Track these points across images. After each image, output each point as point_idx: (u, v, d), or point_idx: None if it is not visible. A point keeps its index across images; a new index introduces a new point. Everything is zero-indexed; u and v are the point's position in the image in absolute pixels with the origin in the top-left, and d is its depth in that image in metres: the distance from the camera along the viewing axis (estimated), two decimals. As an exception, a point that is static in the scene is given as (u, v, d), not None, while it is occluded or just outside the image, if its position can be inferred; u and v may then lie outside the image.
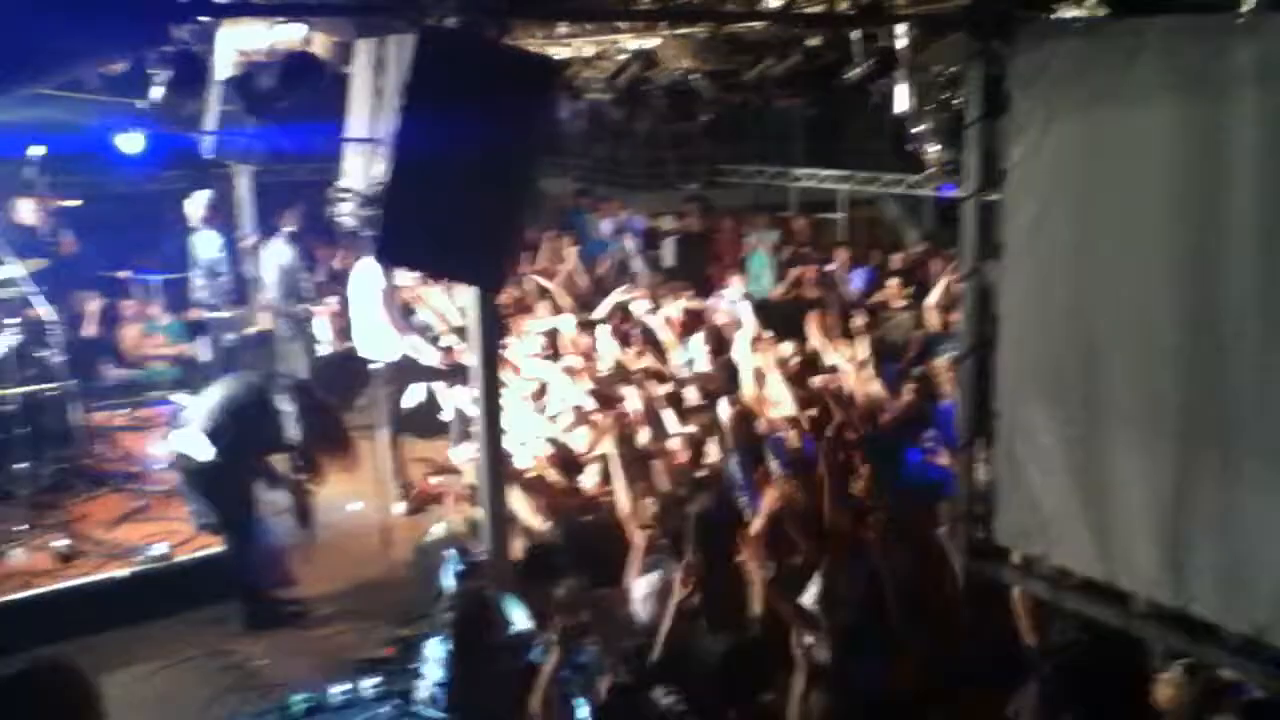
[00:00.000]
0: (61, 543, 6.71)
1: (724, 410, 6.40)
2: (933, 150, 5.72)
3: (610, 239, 11.51)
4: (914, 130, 5.89)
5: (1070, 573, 4.46)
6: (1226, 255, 3.72)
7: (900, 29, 5.75)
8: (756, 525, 5.20)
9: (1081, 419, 4.29)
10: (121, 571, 6.56)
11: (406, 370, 8.14)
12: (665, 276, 10.85)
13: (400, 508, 7.84)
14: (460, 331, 8.01)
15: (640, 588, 5.01)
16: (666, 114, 8.21)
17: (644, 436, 6.66)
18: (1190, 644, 4.02)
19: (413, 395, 8.70)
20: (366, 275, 8.03)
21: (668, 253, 12.23)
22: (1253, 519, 3.77)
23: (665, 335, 8.31)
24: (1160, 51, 3.86)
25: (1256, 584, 3.78)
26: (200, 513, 6.83)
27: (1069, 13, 4.67)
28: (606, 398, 7.22)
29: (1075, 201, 4.20)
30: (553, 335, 8.44)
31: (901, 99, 5.84)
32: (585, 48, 7.90)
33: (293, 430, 6.27)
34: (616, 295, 9.02)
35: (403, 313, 8.22)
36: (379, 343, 7.97)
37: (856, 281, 10.39)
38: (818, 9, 5.78)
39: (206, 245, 9.35)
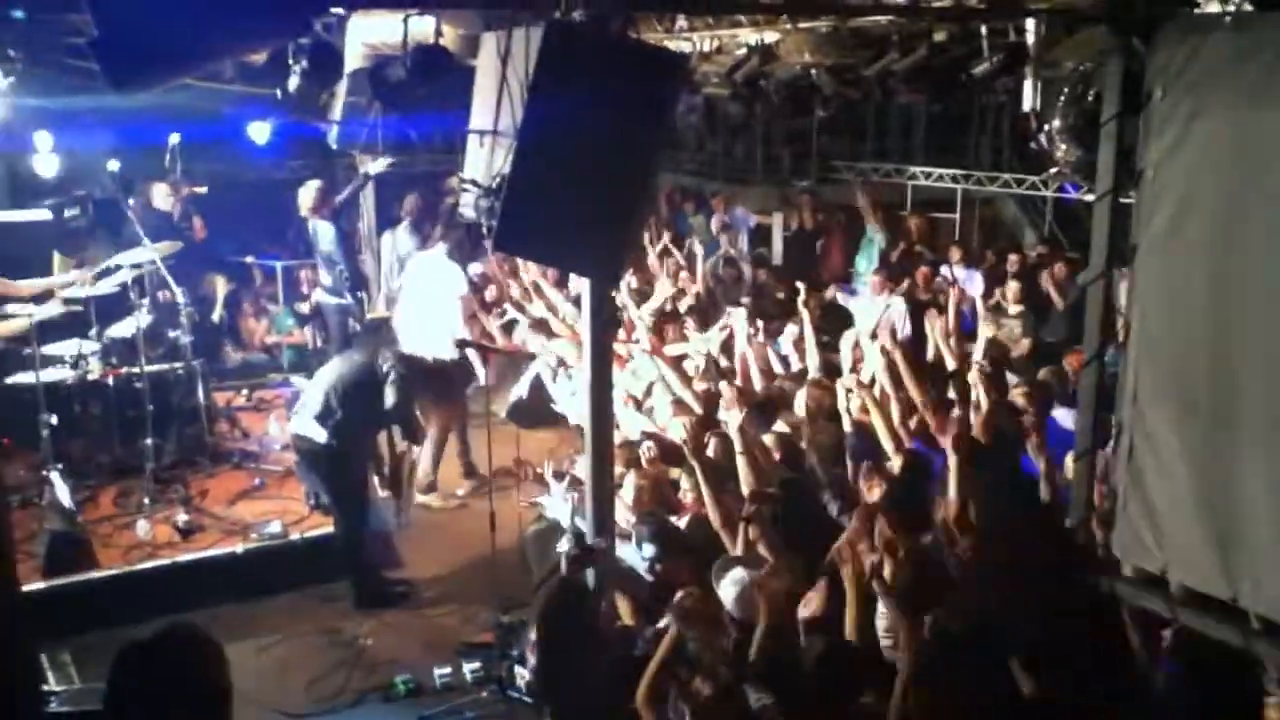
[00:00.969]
0: (182, 517, 6.96)
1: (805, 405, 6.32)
2: (1060, 149, 5.53)
3: (717, 235, 11.47)
4: (1041, 128, 5.72)
5: (1187, 588, 4.30)
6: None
7: (1030, 23, 5.59)
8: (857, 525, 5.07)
9: (1210, 432, 4.11)
10: (238, 547, 6.77)
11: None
12: (773, 274, 10.77)
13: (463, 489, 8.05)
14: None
15: (729, 588, 4.97)
16: (784, 109, 8.12)
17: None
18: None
19: (521, 385, 8.79)
20: (438, 272, 8.13)
21: (776, 249, 12.16)
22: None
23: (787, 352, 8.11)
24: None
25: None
26: (314, 493, 7.05)
27: (1212, 7, 4.48)
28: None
29: (1217, 205, 4.01)
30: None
31: (1029, 96, 5.68)
32: (704, 42, 7.87)
33: (398, 399, 6.44)
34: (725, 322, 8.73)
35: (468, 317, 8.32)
36: (436, 342, 8.02)
37: (969, 284, 10.16)
38: (945, 2, 5.64)
39: (323, 235, 9.61)
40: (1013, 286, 9.22)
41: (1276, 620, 3.95)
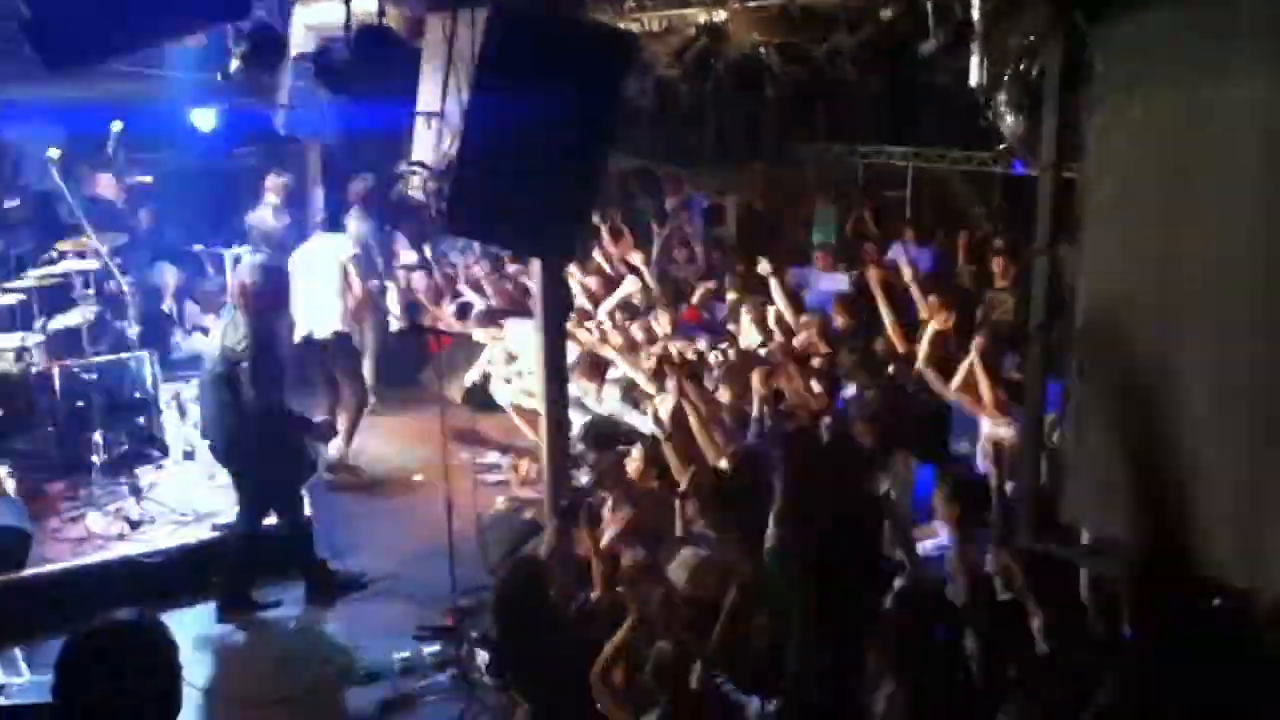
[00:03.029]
0: (133, 509, 6.87)
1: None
2: (1008, 124, 5.58)
3: (671, 217, 11.46)
4: (987, 104, 5.77)
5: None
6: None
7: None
8: None
9: (1159, 399, 4.18)
10: (190, 539, 6.69)
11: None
12: (730, 252, 10.78)
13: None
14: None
15: (677, 570, 5.01)
16: (735, 89, 8.13)
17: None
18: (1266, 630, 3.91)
19: (475, 371, 8.78)
20: (325, 250, 8.10)
21: (730, 229, 12.17)
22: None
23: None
24: (1260, 20, 3.72)
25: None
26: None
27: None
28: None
29: (1162, 175, 4.07)
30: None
31: (975, 72, 5.72)
32: (653, 22, 7.86)
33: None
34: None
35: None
36: (323, 318, 8.02)
37: (923, 262, 10.23)
38: (891, -20, 5.69)
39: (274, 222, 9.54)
40: (998, 261, 9.24)
41: (1227, 582, 4.02)
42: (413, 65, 5.73)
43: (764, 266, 7.82)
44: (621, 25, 7.67)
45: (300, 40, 6.92)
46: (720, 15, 7.18)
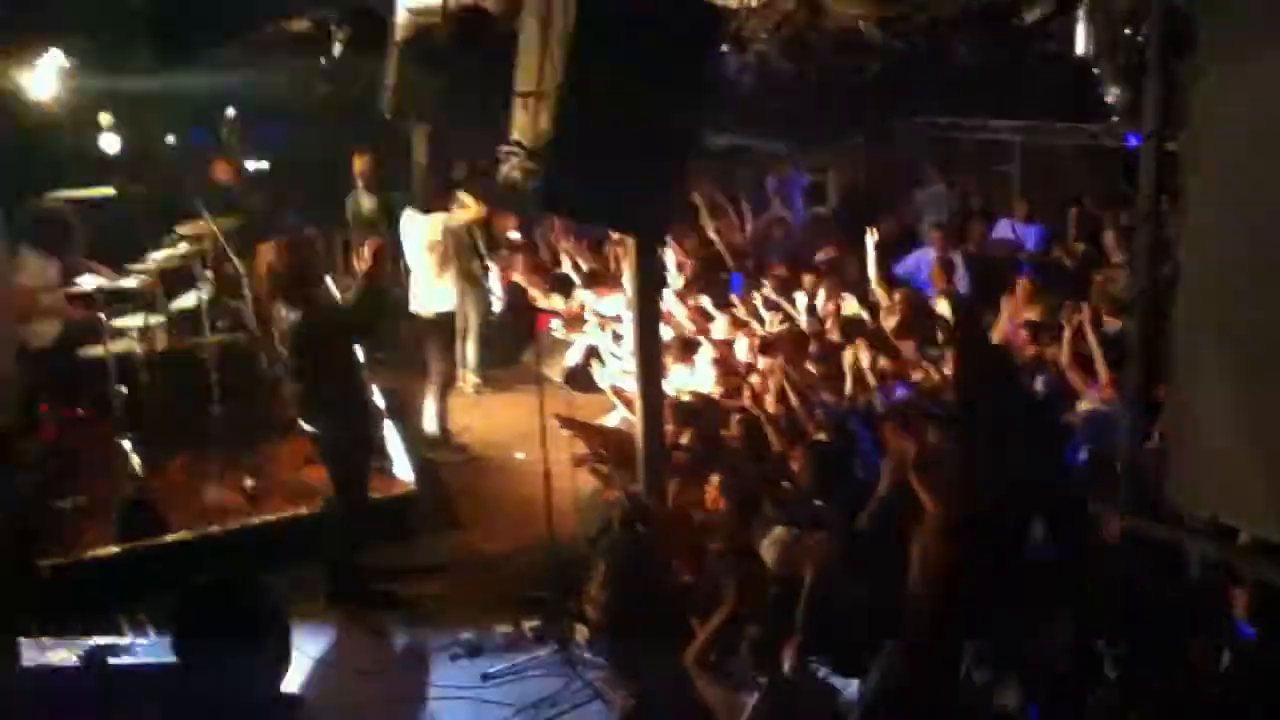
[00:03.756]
0: (249, 482, 7.14)
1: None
2: (1114, 93, 5.41)
3: (773, 195, 11.38)
4: (1094, 73, 5.60)
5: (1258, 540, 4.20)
6: None
7: (1081, -35, 5.47)
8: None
9: (1267, 375, 4.02)
10: (303, 511, 6.92)
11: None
12: (826, 229, 10.65)
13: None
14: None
15: (769, 547, 4.99)
16: (834, 64, 8.02)
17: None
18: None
19: (575, 352, 8.86)
20: (428, 230, 8.26)
21: (832, 207, 12.04)
22: None
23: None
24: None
25: None
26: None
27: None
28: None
29: (1264, 144, 3.90)
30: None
31: (1082, 40, 5.55)
32: (750, -3, 7.78)
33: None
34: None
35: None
36: (430, 298, 8.23)
37: (1030, 240, 9.97)
38: (993, -52, 5.53)
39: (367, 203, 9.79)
40: (1111, 236, 9.00)
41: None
42: (509, 46, 5.79)
43: (871, 239, 7.78)
44: (717, 1, 7.62)
45: (401, 25, 7.04)
46: (820, -11, 7.08)
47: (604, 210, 4.82)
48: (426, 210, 8.40)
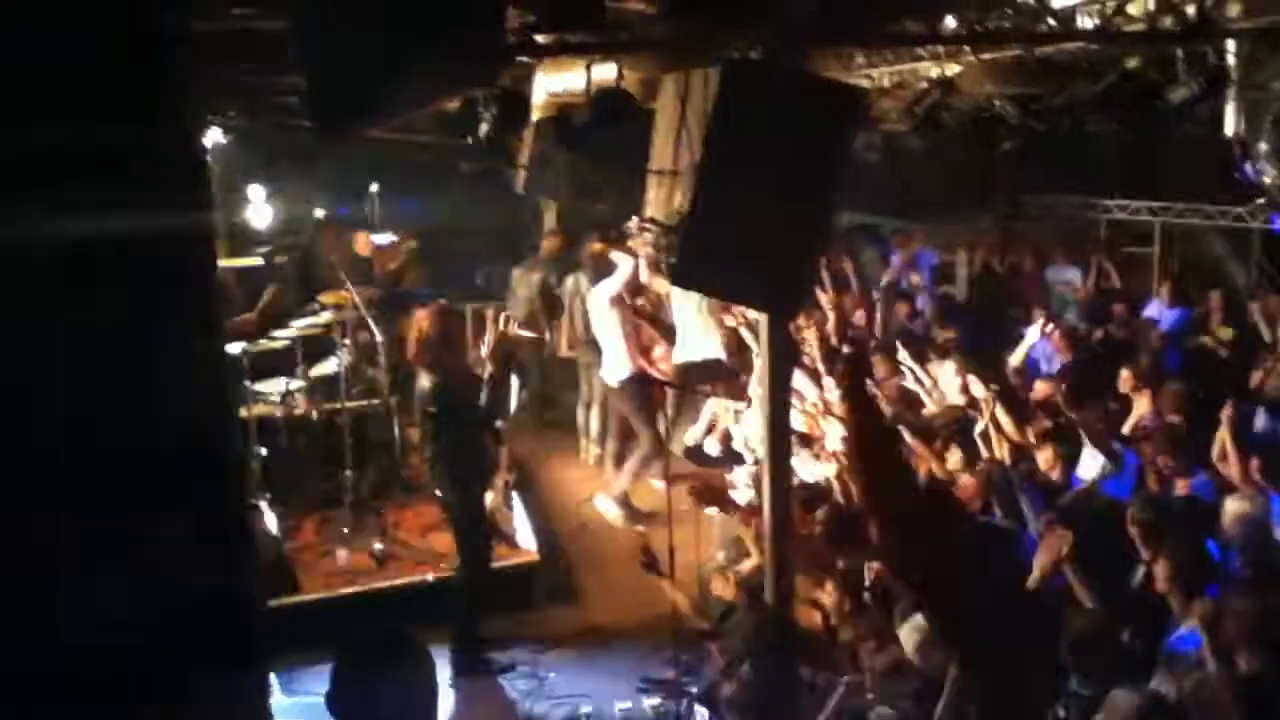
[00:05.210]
0: (378, 546, 7.28)
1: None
2: (1269, 175, 5.22)
3: (898, 275, 11.23)
4: (1245, 155, 5.42)
5: None
6: None
7: (1230, 44, 5.31)
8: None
9: None
10: (429, 575, 7.02)
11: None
12: (950, 321, 10.37)
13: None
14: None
15: (910, 634, 4.82)
16: (966, 142, 7.93)
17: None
18: None
19: (699, 426, 8.82)
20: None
21: (961, 289, 11.83)
22: None
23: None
24: None
25: None
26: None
27: None
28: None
29: None
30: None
31: (1231, 120, 5.39)
32: (884, 78, 7.80)
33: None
34: None
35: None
36: (610, 364, 8.38)
37: (1166, 322, 9.57)
38: (1138, 26, 5.42)
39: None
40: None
41: None
42: (646, 126, 5.93)
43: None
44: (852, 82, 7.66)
45: (539, 105, 7.29)
46: (953, 68, 7.04)
47: (738, 285, 4.82)
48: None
